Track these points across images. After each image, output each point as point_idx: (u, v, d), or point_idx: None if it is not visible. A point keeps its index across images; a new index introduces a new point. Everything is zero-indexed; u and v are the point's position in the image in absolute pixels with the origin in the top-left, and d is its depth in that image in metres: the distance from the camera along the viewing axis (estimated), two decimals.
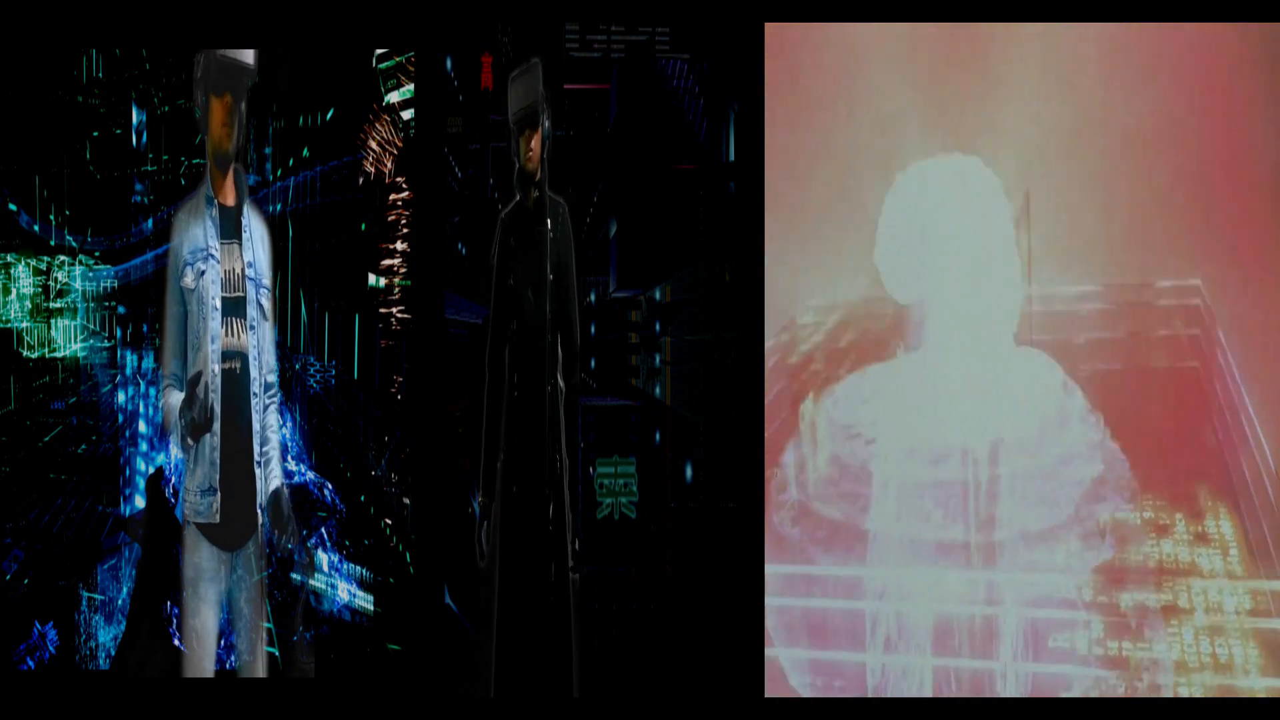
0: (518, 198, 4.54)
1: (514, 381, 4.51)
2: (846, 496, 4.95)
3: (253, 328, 4.24)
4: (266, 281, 4.31)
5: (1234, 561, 4.71)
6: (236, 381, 4.21)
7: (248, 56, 4.25)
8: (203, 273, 4.18)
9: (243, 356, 4.22)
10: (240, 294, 4.23)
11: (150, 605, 4.50)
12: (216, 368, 4.17)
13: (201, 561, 4.22)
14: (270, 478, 4.31)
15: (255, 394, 4.25)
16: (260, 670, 4.38)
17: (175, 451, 4.35)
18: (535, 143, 4.47)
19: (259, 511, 4.27)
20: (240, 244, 4.25)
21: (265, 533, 4.32)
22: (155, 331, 4.43)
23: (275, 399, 4.36)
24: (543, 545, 4.45)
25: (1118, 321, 5.16)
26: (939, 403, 4.88)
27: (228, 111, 4.21)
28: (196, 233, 4.21)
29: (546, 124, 4.49)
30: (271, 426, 4.33)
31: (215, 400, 4.15)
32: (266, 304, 4.30)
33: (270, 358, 4.33)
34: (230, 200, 4.26)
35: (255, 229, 4.31)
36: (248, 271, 4.25)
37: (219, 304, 4.19)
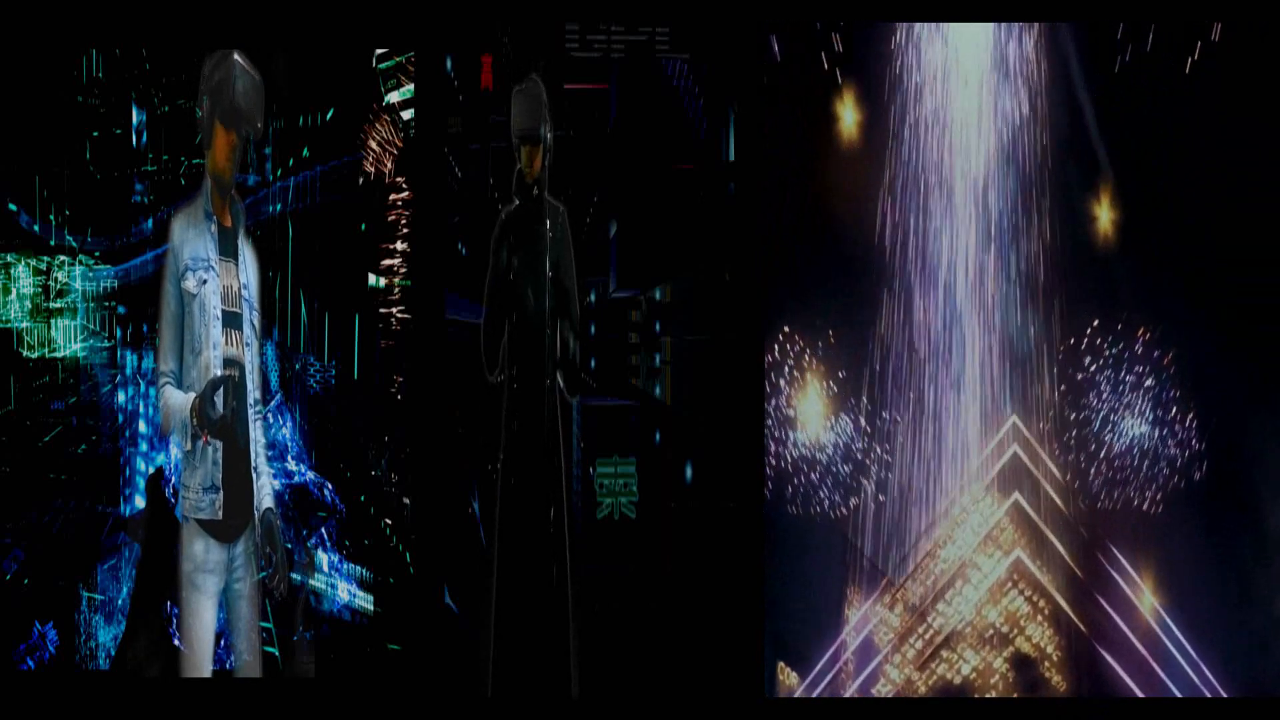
0: (517, 201, 4.58)
1: (513, 375, 4.52)
2: None
3: (248, 344, 4.36)
4: (257, 305, 4.44)
5: None
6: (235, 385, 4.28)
7: (258, 113, 4.30)
8: (204, 281, 4.27)
9: (240, 365, 4.33)
10: (237, 310, 4.34)
11: (150, 605, 4.50)
12: (219, 373, 4.25)
13: (200, 554, 4.27)
14: (261, 493, 4.37)
15: (250, 403, 4.35)
16: (256, 671, 4.39)
17: (175, 451, 4.37)
18: (537, 157, 4.54)
19: (254, 511, 4.34)
20: (236, 264, 4.36)
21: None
22: (155, 331, 4.43)
23: (262, 414, 4.43)
24: (543, 545, 4.45)
25: None
26: None
27: (232, 148, 4.32)
28: (198, 243, 4.30)
29: (548, 137, 4.56)
30: (259, 440, 4.41)
31: (234, 399, 4.25)
32: (257, 323, 4.43)
33: (258, 375, 4.42)
34: (228, 223, 4.38)
35: (247, 255, 4.42)
36: (243, 292, 4.36)
37: (220, 314, 4.28)
